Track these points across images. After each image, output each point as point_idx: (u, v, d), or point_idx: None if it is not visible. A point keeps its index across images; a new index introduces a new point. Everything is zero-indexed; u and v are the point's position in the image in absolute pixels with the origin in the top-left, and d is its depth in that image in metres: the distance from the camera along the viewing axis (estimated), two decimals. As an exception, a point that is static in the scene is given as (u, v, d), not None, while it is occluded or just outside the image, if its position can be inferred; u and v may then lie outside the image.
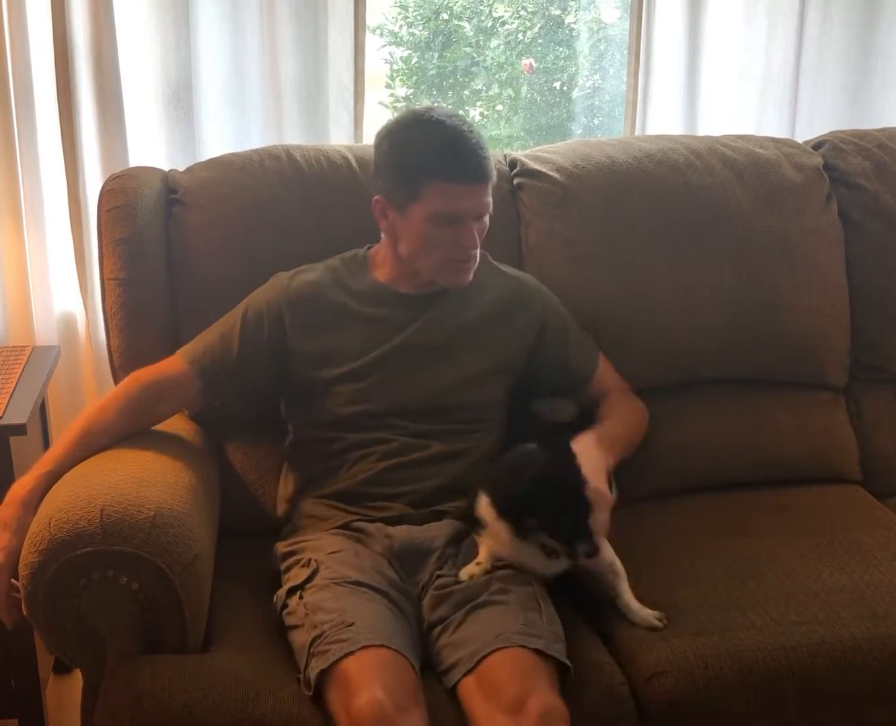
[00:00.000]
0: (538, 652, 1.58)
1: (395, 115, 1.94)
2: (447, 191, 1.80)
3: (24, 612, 1.60)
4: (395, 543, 1.80)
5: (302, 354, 1.91)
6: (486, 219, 1.87)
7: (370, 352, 1.90)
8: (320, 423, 1.92)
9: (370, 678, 1.50)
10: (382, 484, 1.86)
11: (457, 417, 1.91)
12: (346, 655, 1.54)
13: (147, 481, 1.67)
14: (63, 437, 1.80)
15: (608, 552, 1.77)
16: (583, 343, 2.06)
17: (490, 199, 1.86)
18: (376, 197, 1.89)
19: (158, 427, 1.94)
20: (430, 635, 1.69)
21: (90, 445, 1.79)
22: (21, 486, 1.71)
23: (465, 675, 1.59)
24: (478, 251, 1.88)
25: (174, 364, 1.92)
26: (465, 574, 1.73)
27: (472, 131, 1.84)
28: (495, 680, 1.56)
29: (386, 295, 1.94)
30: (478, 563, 1.74)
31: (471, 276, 1.91)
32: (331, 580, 1.69)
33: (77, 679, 1.80)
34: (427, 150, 1.81)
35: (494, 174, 1.87)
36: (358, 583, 1.69)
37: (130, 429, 1.85)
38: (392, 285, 1.94)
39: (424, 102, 3.07)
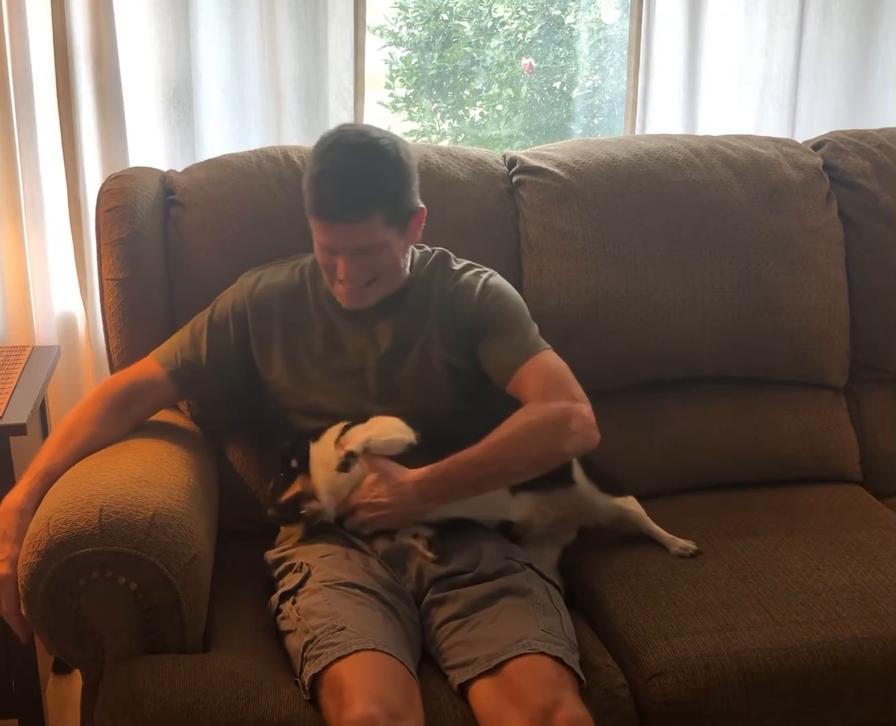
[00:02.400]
0: (558, 659, 1.58)
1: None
2: (317, 226, 1.80)
3: (23, 612, 1.60)
4: (379, 551, 1.80)
5: (261, 357, 1.92)
6: (375, 249, 1.79)
7: (323, 362, 1.89)
8: (281, 430, 1.93)
9: (362, 686, 1.50)
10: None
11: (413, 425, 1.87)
12: (338, 659, 1.54)
13: (146, 481, 1.67)
14: (46, 445, 1.80)
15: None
16: (510, 344, 1.87)
17: (375, 234, 1.77)
18: None
19: (157, 427, 1.94)
20: (437, 631, 1.69)
21: (74, 449, 1.78)
22: (14, 495, 1.71)
23: (480, 676, 1.58)
24: (370, 281, 1.82)
25: (148, 366, 1.92)
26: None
27: (352, 167, 1.75)
28: (519, 687, 1.55)
29: (334, 304, 1.91)
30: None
31: (362, 302, 1.85)
32: (322, 583, 1.69)
33: (77, 679, 1.80)
34: (306, 183, 1.81)
35: (384, 211, 1.76)
36: (350, 585, 1.69)
37: (108, 433, 1.84)
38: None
39: (424, 102, 3.07)
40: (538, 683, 1.55)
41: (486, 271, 1.95)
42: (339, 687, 1.52)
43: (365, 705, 1.47)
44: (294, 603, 1.69)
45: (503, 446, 1.76)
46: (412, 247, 1.92)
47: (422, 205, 1.86)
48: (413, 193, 1.84)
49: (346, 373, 1.89)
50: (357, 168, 1.76)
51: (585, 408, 1.81)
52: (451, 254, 1.97)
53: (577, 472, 1.91)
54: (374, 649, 1.55)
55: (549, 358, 1.87)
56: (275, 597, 1.75)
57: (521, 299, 1.95)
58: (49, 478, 1.72)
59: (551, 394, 1.81)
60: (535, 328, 1.91)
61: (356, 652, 1.54)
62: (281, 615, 1.71)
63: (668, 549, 1.94)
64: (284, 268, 1.96)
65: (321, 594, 1.67)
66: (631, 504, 1.97)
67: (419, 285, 1.92)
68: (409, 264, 1.90)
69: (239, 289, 1.94)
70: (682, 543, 1.94)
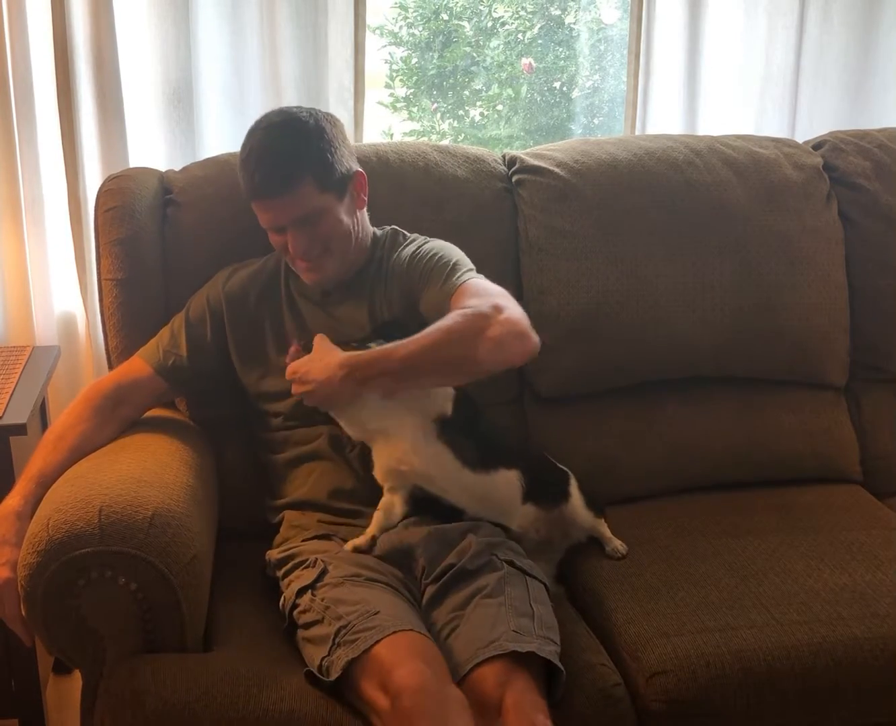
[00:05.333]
0: (526, 655, 1.57)
1: None
2: (257, 207, 1.86)
3: (23, 613, 1.60)
4: (381, 552, 1.80)
5: (238, 347, 1.95)
6: (323, 219, 1.84)
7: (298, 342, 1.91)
8: (267, 425, 1.96)
9: (406, 656, 1.51)
10: (345, 492, 1.87)
11: None
12: (376, 642, 1.54)
13: (145, 481, 1.67)
14: (38, 449, 1.81)
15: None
16: (437, 289, 1.86)
17: (308, 202, 1.81)
18: None
19: (156, 427, 1.94)
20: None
21: (67, 450, 1.79)
22: (10, 500, 1.72)
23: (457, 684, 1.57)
24: (325, 250, 1.86)
25: (134, 365, 1.95)
26: (349, 546, 1.77)
27: (274, 140, 1.83)
28: (481, 693, 1.54)
29: (306, 289, 1.96)
30: (364, 534, 1.78)
31: (322, 275, 1.90)
32: (344, 578, 1.69)
33: (77, 679, 1.80)
34: (238, 168, 1.88)
35: (316, 177, 1.81)
36: (372, 580, 1.69)
37: (99, 432, 1.85)
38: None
39: (423, 102, 3.07)
40: (495, 685, 1.54)
41: (427, 241, 1.96)
42: (381, 664, 1.52)
43: (412, 666, 1.49)
44: (315, 595, 1.69)
45: (421, 345, 1.70)
46: (370, 228, 1.97)
47: (359, 169, 1.91)
48: (343, 158, 1.87)
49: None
50: (279, 141, 1.83)
51: (509, 315, 1.73)
52: (400, 230, 2.01)
53: (573, 485, 1.92)
54: (411, 629, 1.56)
55: (476, 282, 1.84)
56: (289, 593, 1.73)
57: (454, 251, 1.92)
58: (44, 481, 1.73)
59: (473, 303, 1.76)
60: (465, 268, 1.87)
61: (394, 633, 1.54)
62: (300, 608, 1.70)
63: (604, 547, 1.96)
64: (260, 261, 2.01)
65: (345, 587, 1.67)
66: (602, 527, 1.97)
67: (373, 267, 1.96)
68: (360, 232, 1.92)
69: (213, 284, 1.99)
70: (616, 544, 1.95)
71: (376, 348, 1.74)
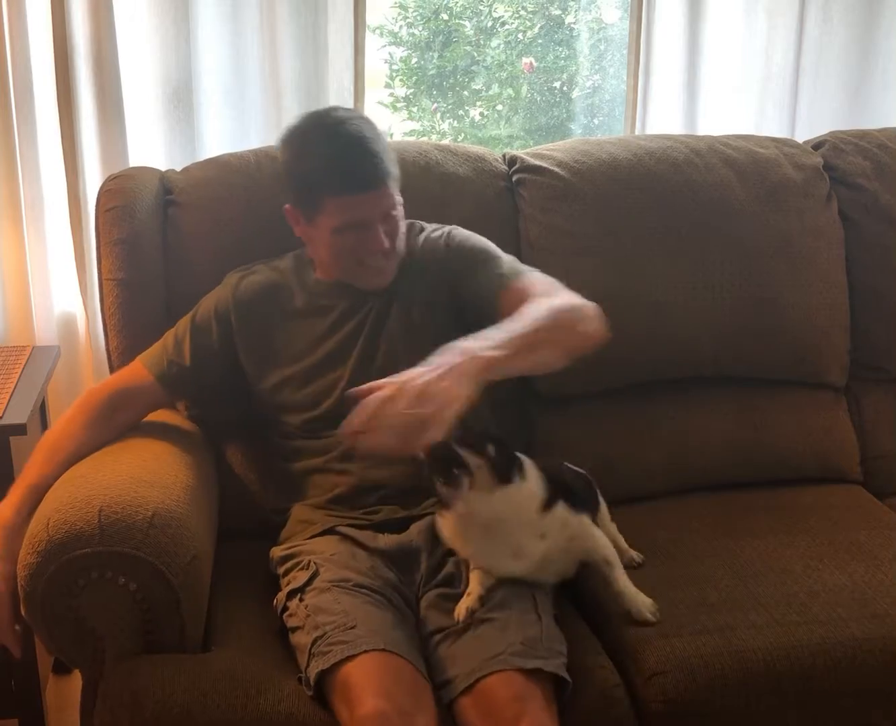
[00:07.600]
0: (535, 670, 1.56)
1: (295, 120, 1.90)
2: (345, 203, 1.80)
3: (23, 613, 1.60)
4: (387, 547, 1.79)
5: (249, 357, 1.92)
6: (395, 214, 1.85)
7: (314, 352, 1.90)
8: (280, 432, 1.94)
9: (372, 686, 1.49)
10: (359, 492, 1.85)
11: None
12: (348, 659, 1.53)
13: (145, 481, 1.67)
14: (33, 459, 1.79)
15: (601, 545, 1.75)
16: (489, 271, 1.88)
17: (394, 197, 1.84)
18: (286, 205, 1.90)
19: (156, 427, 1.94)
20: (429, 642, 1.67)
21: (64, 460, 1.77)
22: (2, 511, 1.70)
23: (461, 694, 1.56)
24: (392, 247, 1.86)
25: (134, 370, 1.93)
26: (460, 612, 1.65)
27: (363, 136, 1.82)
28: (492, 704, 1.53)
29: (325, 292, 1.94)
30: (468, 594, 1.68)
31: (388, 277, 1.89)
32: (332, 583, 1.68)
33: (77, 679, 1.80)
34: (320, 165, 1.81)
35: (393, 173, 1.84)
36: (359, 586, 1.68)
37: (96, 440, 1.83)
38: (330, 281, 1.94)
39: (424, 102, 3.07)
40: (508, 699, 1.52)
41: (450, 227, 1.98)
42: (348, 687, 1.51)
43: (376, 701, 1.46)
44: (301, 600, 1.68)
45: (536, 318, 1.67)
46: None
47: None
48: None
49: (332, 359, 1.89)
50: (367, 135, 1.82)
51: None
52: (417, 222, 2.00)
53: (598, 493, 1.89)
54: (383, 649, 1.54)
55: (539, 274, 1.88)
56: (281, 595, 1.74)
57: (489, 242, 1.96)
58: (38, 493, 1.70)
59: (554, 293, 1.78)
60: (515, 259, 1.93)
61: (366, 652, 1.53)
62: (288, 612, 1.70)
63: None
64: (269, 266, 1.98)
65: (331, 593, 1.66)
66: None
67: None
68: None
69: (222, 290, 1.96)
70: (632, 554, 1.88)
71: (489, 336, 1.59)
